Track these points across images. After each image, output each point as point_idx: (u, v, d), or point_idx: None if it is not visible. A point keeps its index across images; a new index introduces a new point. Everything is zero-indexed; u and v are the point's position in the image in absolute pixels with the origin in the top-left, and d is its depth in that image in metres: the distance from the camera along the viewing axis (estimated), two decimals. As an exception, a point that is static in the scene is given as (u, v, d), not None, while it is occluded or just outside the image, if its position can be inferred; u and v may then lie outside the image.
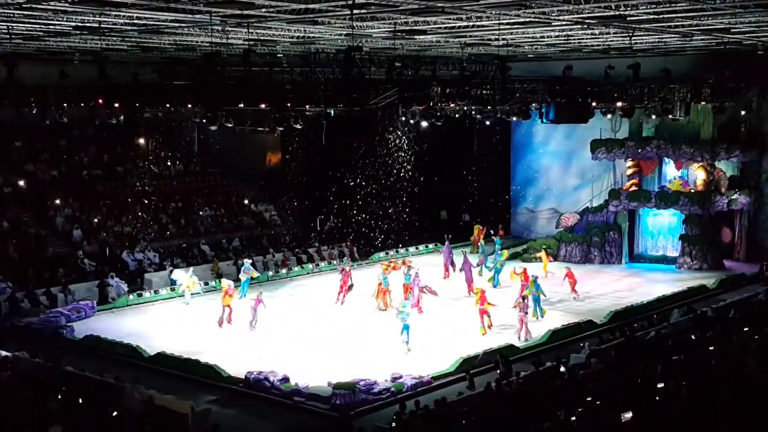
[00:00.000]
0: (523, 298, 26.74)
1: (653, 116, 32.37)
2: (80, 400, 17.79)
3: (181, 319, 29.28)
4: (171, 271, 32.82)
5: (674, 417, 14.20)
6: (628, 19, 20.82)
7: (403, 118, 31.79)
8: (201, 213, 39.83)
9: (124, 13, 19.56)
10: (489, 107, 28.56)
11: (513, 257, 37.23)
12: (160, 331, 27.48)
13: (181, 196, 40.70)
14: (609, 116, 32.18)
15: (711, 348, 18.96)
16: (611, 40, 26.95)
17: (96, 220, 36.71)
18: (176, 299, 31.44)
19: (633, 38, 24.70)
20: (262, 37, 24.75)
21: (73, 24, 21.68)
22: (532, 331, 25.93)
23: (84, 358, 23.17)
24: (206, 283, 33.16)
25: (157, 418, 17.54)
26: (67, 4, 18.17)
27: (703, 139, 36.57)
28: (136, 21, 20.94)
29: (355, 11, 18.11)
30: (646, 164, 39.01)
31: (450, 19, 20.89)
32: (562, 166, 43.17)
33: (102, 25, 21.49)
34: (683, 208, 36.54)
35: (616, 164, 39.90)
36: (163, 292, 31.87)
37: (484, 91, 27.82)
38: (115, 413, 17.02)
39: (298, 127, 25.25)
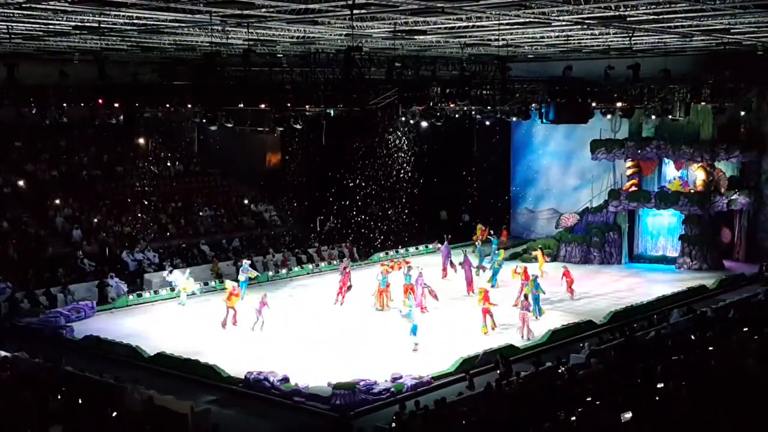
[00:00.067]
0: (525, 296, 26.79)
1: (653, 116, 32.39)
2: (80, 400, 17.77)
3: (181, 319, 29.27)
4: (171, 271, 32.80)
5: (674, 417, 14.21)
6: (628, 19, 20.84)
7: (403, 119, 31.78)
8: (201, 213, 39.82)
9: (124, 13, 19.57)
10: (489, 107, 28.57)
11: (513, 257, 37.30)
12: (160, 331, 27.47)
13: (181, 196, 40.68)
14: (609, 116, 32.17)
15: (711, 348, 18.96)
16: (611, 41, 26.96)
17: (96, 220, 36.69)
18: (176, 300, 31.41)
19: (633, 38, 24.71)
20: (262, 37, 24.76)
21: (73, 24, 21.69)
22: (533, 331, 25.96)
23: (84, 358, 23.17)
24: (206, 283, 33.19)
25: (157, 418, 17.53)
26: (67, 4, 18.18)
27: (702, 139, 36.58)
28: (136, 21, 20.95)
29: (355, 11, 18.11)
30: (646, 164, 39.02)
31: (450, 19, 20.89)
32: (562, 166, 43.18)
33: (102, 25, 21.50)
34: (683, 208, 36.55)
35: (615, 164, 39.92)
36: (163, 293, 31.85)
37: (484, 92, 27.82)
38: (115, 413, 17.01)
39: (298, 127, 25.22)
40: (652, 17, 20.55)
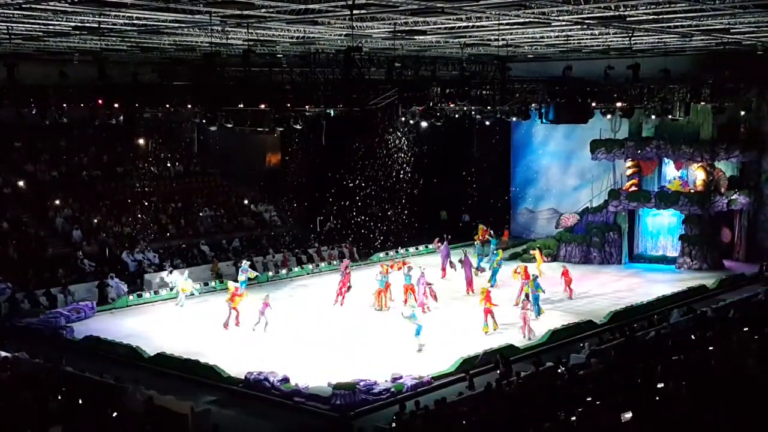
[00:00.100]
0: (527, 296, 26.81)
1: (653, 116, 32.37)
2: (80, 400, 17.77)
3: (181, 319, 29.27)
4: (171, 271, 32.81)
5: (674, 417, 14.21)
6: (627, 19, 20.84)
7: (403, 119, 31.77)
8: (201, 213, 39.83)
9: (123, 14, 19.57)
10: (489, 107, 28.57)
11: (513, 257, 37.31)
12: (160, 331, 27.48)
13: (180, 196, 40.69)
14: (609, 116, 32.17)
15: (711, 348, 18.96)
16: (611, 41, 26.96)
17: (96, 221, 36.70)
18: (175, 300, 31.40)
19: (633, 38, 24.71)
20: (261, 38, 24.77)
21: (73, 24, 21.69)
22: (534, 330, 25.98)
23: (84, 359, 23.16)
24: (206, 284, 33.21)
25: (157, 419, 17.53)
26: (66, 4, 18.18)
27: (702, 139, 36.59)
28: (135, 21, 20.94)
29: (354, 11, 18.11)
30: (646, 164, 39.03)
31: (450, 19, 20.89)
32: (562, 166, 43.18)
33: (102, 26, 21.50)
34: (683, 208, 36.56)
35: (615, 164, 39.92)
36: (163, 293, 31.85)
37: (484, 92, 27.82)
38: (115, 413, 17.01)
39: (298, 127, 25.21)
40: (651, 17, 20.55)
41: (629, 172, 39.20)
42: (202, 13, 19.44)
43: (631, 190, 38.38)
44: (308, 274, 36.47)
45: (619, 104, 30.09)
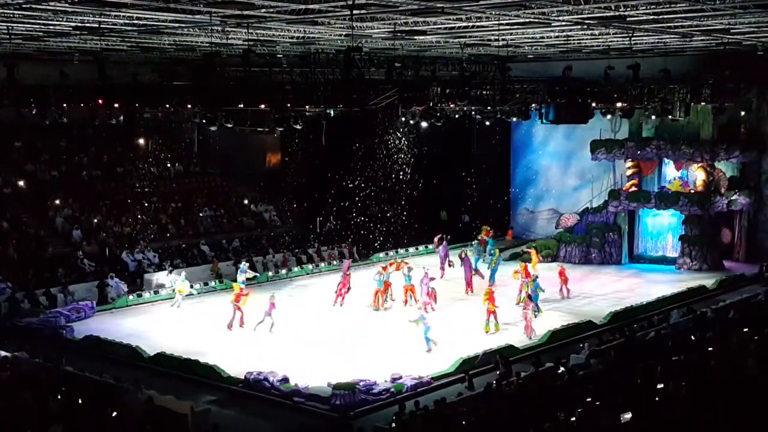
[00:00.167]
0: (529, 297, 26.82)
1: (653, 117, 32.37)
2: (80, 400, 17.77)
3: (181, 319, 29.26)
4: (171, 271, 32.82)
5: (674, 417, 14.22)
6: (627, 19, 20.85)
7: (403, 119, 31.77)
8: (201, 214, 39.84)
9: (123, 14, 19.58)
10: (489, 108, 28.55)
11: (512, 258, 37.29)
12: (160, 331, 27.47)
13: (180, 196, 40.70)
14: (609, 117, 32.17)
15: (710, 349, 18.97)
16: (611, 41, 26.97)
17: (96, 221, 36.71)
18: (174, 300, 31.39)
19: (633, 39, 24.71)
20: (261, 38, 24.77)
21: (73, 24, 21.70)
22: (535, 330, 25.99)
23: (84, 359, 23.15)
24: (206, 284, 33.20)
25: (157, 419, 17.53)
26: (67, 5, 18.18)
27: (702, 139, 36.58)
28: (135, 21, 20.95)
29: (354, 12, 18.12)
30: (646, 165, 39.02)
31: (450, 19, 20.90)
32: (562, 166, 43.18)
33: (102, 26, 21.52)
34: (683, 208, 36.55)
35: (615, 165, 39.92)
36: (163, 293, 31.85)
37: (484, 92, 27.80)
38: (114, 413, 17.01)
39: (298, 127, 25.20)
40: (652, 17, 20.56)
41: (629, 172, 39.20)
42: (202, 13, 19.45)
43: (631, 190, 38.37)
44: (308, 274, 36.47)
45: (619, 104, 30.09)
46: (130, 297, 31.30)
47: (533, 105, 29.23)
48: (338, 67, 24.78)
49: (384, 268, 30.78)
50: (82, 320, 28.74)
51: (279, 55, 30.68)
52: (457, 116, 30.92)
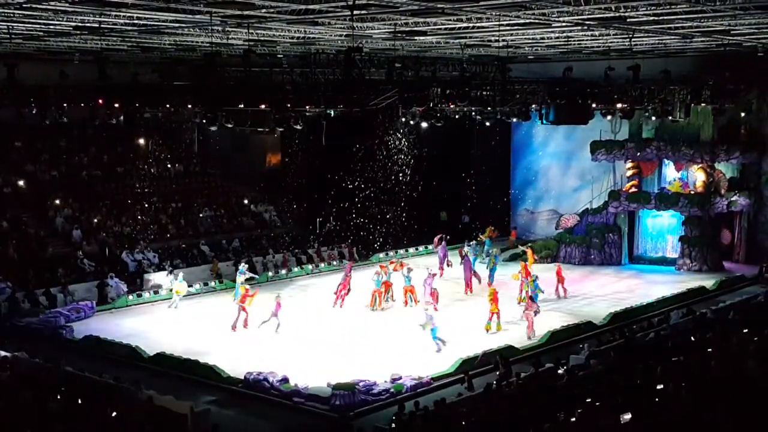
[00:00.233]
0: (531, 298, 26.83)
1: (653, 118, 32.39)
2: (80, 401, 17.77)
3: (181, 319, 29.25)
4: (170, 271, 32.80)
5: (674, 418, 14.21)
6: (628, 20, 20.85)
7: (403, 120, 31.79)
8: (201, 214, 39.83)
9: (124, 14, 19.58)
10: (489, 108, 28.57)
11: (513, 258, 37.28)
12: (159, 331, 27.46)
13: (181, 196, 40.69)
14: (609, 118, 32.19)
15: (710, 349, 18.97)
16: (611, 42, 26.97)
17: (96, 221, 36.71)
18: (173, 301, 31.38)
19: (633, 40, 24.71)
20: (262, 38, 24.77)
21: (73, 24, 21.71)
22: (535, 330, 25.99)
23: (84, 359, 23.16)
24: (206, 284, 33.19)
25: (157, 419, 17.54)
26: (67, 4, 18.19)
27: (702, 140, 36.59)
28: (136, 21, 20.96)
29: (355, 12, 18.12)
30: (646, 166, 39.03)
31: (450, 20, 20.91)
32: (562, 167, 43.19)
33: (102, 25, 21.52)
34: (683, 209, 36.55)
35: (615, 166, 39.92)
36: (163, 293, 31.84)
37: (484, 93, 27.81)
38: (114, 414, 17.01)
39: (298, 127, 25.19)
40: (652, 18, 20.56)
41: (629, 173, 39.20)
42: (202, 13, 19.46)
43: (631, 191, 38.38)
44: (308, 274, 36.47)
45: (619, 105, 30.11)
46: (130, 297, 31.30)
47: (533, 106, 29.24)
48: (338, 67, 24.80)
49: (382, 267, 30.80)
50: (81, 320, 28.73)
51: (279, 56, 30.68)
52: (457, 117, 30.96)
